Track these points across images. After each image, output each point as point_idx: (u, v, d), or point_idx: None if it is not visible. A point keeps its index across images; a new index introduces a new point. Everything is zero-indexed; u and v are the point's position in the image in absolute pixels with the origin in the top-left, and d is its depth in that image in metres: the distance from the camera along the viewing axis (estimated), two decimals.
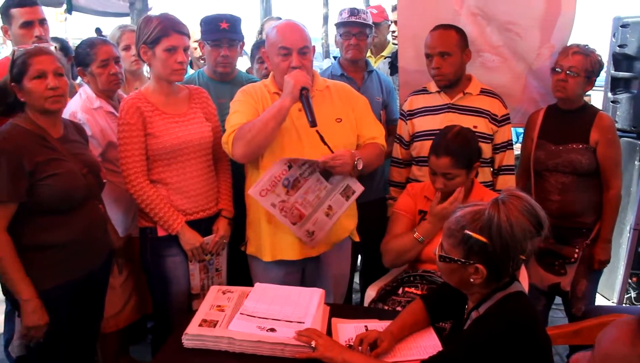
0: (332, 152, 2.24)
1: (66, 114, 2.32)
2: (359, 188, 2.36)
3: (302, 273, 2.50)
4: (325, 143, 2.25)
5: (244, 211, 2.48)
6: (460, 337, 1.58)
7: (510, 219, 1.44)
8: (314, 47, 2.36)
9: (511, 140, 2.73)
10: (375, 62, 3.90)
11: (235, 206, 2.54)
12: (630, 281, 3.59)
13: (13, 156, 1.93)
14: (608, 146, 2.63)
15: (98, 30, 4.31)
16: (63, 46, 3.48)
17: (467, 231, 1.48)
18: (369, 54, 3.82)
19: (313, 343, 1.69)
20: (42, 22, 2.85)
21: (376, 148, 2.42)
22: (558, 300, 2.92)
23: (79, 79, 2.76)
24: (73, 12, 10.15)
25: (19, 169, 1.93)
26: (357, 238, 2.57)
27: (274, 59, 2.32)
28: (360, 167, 2.27)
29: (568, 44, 2.75)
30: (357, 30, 3.02)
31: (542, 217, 1.47)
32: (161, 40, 2.28)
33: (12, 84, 2.01)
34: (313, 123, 2.15)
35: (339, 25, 3.11)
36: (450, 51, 2.57)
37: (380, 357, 1.70)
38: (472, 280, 1.51)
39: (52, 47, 2.21)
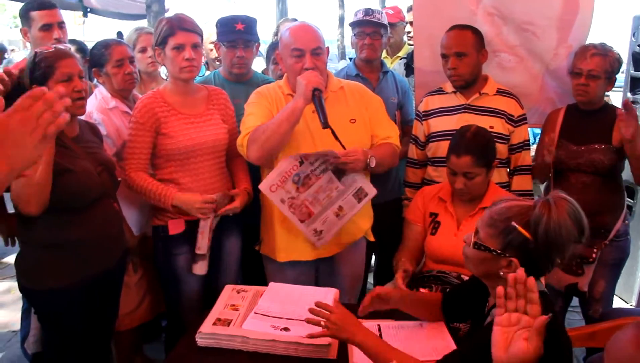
0: (345, 149, 2.23)
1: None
2: (371, 191, 2.34)
3: (315, 272, 2.50)
4: (337, 140, 2.24)
5: (259, 212, 2.48)
6: (479, 335, 1.55)
7: (559, 220, 1.42)
8: (327, 48, 2.36)
9: (528, 140, 2.70)
10: (391, 63, 3.88)
11: (251, 207, 2.53)
12: None
13: None
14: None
15: (119, 34, 4.36)
16: (80, 47, 3.50)
17: (514, 223, 1.46)
18: (384, 55, 3.81)
19: (322, 323, 1.61)
20: (61, 24, 2.88)
21: (390, 147, 2.41)
22: (575, 301, 2.88)
23: (95, 81, 2.78)
24: (91, 16, 10.28)
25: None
26: (372, 238, 2.56)
27: (287, 61, 2.32)
28: (372, 165, 2.26)
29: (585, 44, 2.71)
30: (371, 30, 3.01)
31: (585, 224, 1.45)
32: (168, 40, 2.30)
33: (34, 86, 2.01)
34: (325, 124, 2.13)
35: (353, 25, 3.10)
36: (466, 51, 2.55)
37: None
38: (502, 273, 1.48)
39: (69, 49, 2.23)
